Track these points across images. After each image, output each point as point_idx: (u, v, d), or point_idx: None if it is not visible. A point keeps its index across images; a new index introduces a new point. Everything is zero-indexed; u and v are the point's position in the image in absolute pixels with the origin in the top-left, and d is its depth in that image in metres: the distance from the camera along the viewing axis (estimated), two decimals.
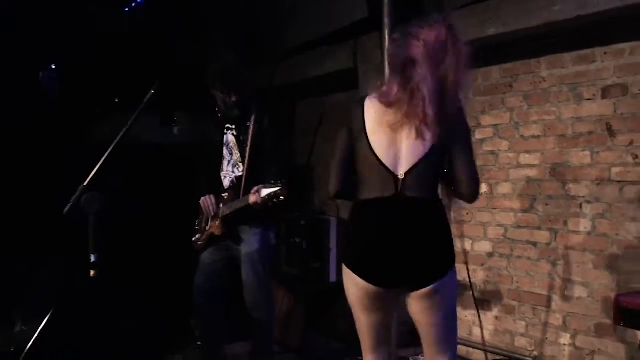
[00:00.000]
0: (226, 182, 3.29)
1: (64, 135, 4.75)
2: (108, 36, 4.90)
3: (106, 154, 2.32)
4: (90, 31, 4.85)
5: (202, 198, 3.30)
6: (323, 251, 4.03)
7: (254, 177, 3.07)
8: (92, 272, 2.31)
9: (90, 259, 2.30)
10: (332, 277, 4.01)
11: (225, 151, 3.30)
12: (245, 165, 3.15)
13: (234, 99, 3.13)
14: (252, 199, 2.91)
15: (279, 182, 2.83)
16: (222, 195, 3.27)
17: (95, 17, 4.95)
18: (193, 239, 3.39)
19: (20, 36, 4.50)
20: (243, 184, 3.14)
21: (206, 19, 5.43)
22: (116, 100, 5.02)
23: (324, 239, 4.00)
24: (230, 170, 3.28)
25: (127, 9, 5.56)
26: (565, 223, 3.34)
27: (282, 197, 2.81)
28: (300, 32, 4.70)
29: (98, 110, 4.97)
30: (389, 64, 2.69)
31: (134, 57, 4.82)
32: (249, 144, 3.14)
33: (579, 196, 3.28)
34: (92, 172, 2.31)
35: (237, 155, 3.25)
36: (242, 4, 5.19)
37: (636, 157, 3.03)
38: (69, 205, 2.27)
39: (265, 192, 2.83)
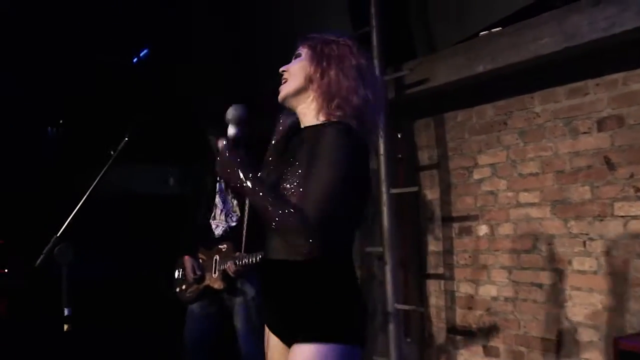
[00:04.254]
0: (218, 231, 3.18)
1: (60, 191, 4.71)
2: (107, 88, 4.91)
3: (80, 204, 2.24)
4: (91, 82, 4.87)
5: (186, 259, 3.19)
6: None
7: (255, 230, 2.94)
8: (65, 327, 2.21)
9: (63, 313, 2.20)
10: None
11: (217, 199, 3.20)
12: (246, 217, 3.05)
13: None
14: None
15: None
16: (219, 247, 3.13)
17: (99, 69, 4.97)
18: (177, 289, 3.27)
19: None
20: (245, 237, 3.02)
21: (201, 67, 5.45)
22: (111, 152, 4.98)
23: None
24: (224, 219, 3.17)
25: (135, 60, 5.60)
26: (570, 262, 3.20)
27: None
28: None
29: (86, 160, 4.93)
30: None
31: (130, 109, 4.83)
32: None
33: (582, 233, 3.14)
34: (65, 222, 2.23)
35: (231, 203, 3.16)
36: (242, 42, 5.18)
37: (638, 190, 2.91)
38: (41, 256, 2.18)
39: None
